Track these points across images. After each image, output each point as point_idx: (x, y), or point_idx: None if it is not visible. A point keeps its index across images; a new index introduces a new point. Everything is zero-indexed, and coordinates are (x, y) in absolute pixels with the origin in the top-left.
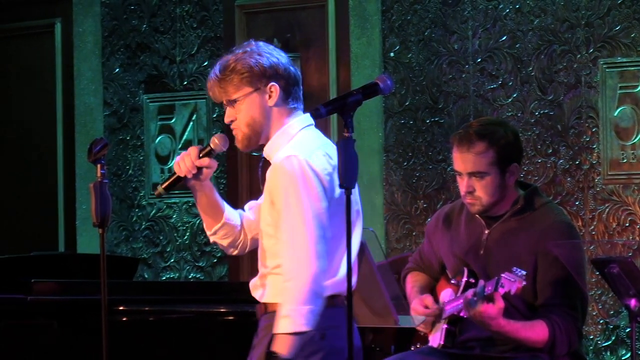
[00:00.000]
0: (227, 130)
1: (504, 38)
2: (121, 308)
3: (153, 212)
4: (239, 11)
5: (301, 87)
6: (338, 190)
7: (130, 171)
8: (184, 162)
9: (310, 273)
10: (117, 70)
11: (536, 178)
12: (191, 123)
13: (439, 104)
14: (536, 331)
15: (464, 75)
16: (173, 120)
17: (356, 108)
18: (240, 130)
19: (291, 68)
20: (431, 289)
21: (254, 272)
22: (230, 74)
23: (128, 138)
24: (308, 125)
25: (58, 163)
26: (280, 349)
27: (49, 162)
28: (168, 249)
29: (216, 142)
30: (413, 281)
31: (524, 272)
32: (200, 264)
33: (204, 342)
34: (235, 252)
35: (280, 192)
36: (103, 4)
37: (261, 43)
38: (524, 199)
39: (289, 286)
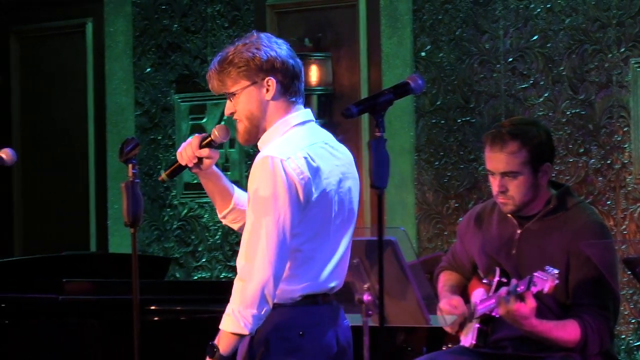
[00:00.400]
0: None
1: (535, 37)
2: (153, 308)
3: (184, 211)
4: (270, 11)
5: (302, 81)
6: (317, 194)
7: (161, 171)
8: (185, 152)
9: (261, 278)
10: (149, 70)
11: (567, 178)
12: (222, 122)
13: (471, 104)
14: (568, 331)
15: (495, 75)
16: (204, 120)
17: (387, 108)
18: (241, 123)
19: (290, 61)
20: (462, 289)
21: None
22: (228, 67)
23: (159, 138)
24: (304, 122)
25: (90, 163)
26: (220, 345)
27: (81, 161)
28: (200, 249)
29: (216, 133)
30: (444, 280)
31: (556, 271)
32: (232, 264)
33: None
34: None
35: (250, 191)
36: (134, 3)
37: (263, 35)
38: (556, 199)
39: (237, 286)
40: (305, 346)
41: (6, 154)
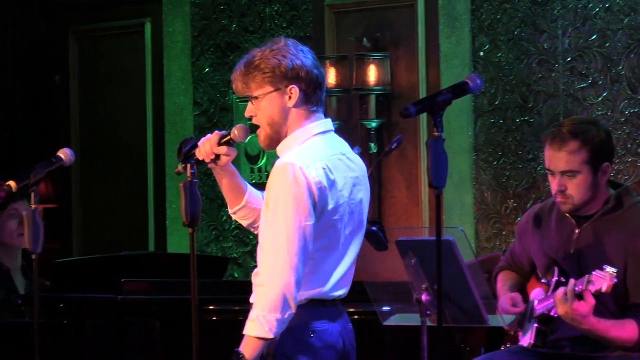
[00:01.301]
0: None
1: (593, 37)
2: (211, 307)
3: None
4: (328, 10)
5: (324, 91)
6: (332, 204)
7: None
8: (203, 147)
9: (284, 282)
10: (207, 69)
11: (626, 177)
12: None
13: (529, 103)
14: (626, 330)
15: (553, 74)
16: None
17: (446, 107)
18: (262, 130)
19: (315, 71)
20: (521, 288)
21: None
22: (253, 71)
23: None
24: (324, 132)
25: (148, 163)
26: (245, 350)
27: (139, 161)
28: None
29: (236, 133)
30: (503, 280)
31: (615, 270)
32: None
33: None
34: (257, 232)
35: (270, 197)
36: (193, 3)
37: (290, 42)
38: (615, 199)
39: (260, 291)
40: (316, 345)
41: (65, 154)
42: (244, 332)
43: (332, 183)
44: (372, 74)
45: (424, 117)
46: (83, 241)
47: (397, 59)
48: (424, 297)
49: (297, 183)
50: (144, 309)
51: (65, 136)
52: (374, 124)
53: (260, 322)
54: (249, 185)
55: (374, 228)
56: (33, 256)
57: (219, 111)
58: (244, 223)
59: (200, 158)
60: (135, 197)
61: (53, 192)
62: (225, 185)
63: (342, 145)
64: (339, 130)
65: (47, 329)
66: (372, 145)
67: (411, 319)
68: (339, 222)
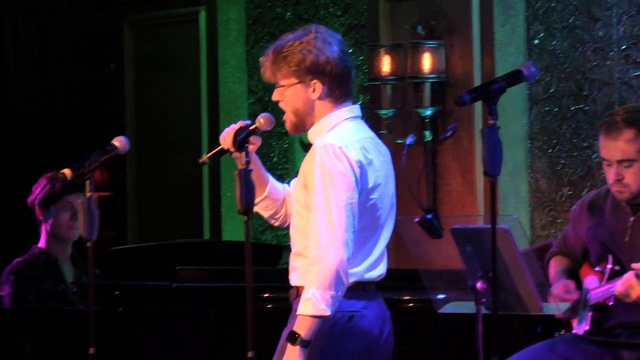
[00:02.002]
0: (372, 118)
1: None
2: (266, 295)
3: None
4: None
5: (352, 81)
6: (372, 183)
7: (275, 159)
8: (228, 136)
9: (336, 259)
10: (261, 58)
11: None
12: None
13: (584, 91)
14: None
15: (608, 63)
16: None
17: (500, 95)
18: (288, 117)
19: (340, 65)
20: (573, 274)
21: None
22: (280, 62)
23: None
24: (354, 117)
25: (203, 151)
26: (300, 330)
27: (194, 149)
28: None
29: (261, 121)
30: (556, 265)
31: None
32: None
33: None
34: (277, 224)
35: (314, 177)
36: None
37: (319, 34)
38: None
39: (313, 270)
40: (352, 330)
41: (120, 142)
42: (298, 313)
43: (369, 162)
44: (427, 62)
45: (478, 105)
46: (138, 229)
47: (451, 47)
48: (479, 285)
49: (341, 161)
50: (198, 297)
51: (120, 124)
52: (428, 112)
53: (317, 300)
54: (270, 177)
55: (429, 216)
56: (88, 244)
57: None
58: (265, 214)
59: (226, 147)
60: (190, 184)
61: (108, 180)
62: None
63: (370, 131)
64: (393, 118)
65: (102, 316)
66: (427, 133)
67: (466, 307)
68: (379, 202)
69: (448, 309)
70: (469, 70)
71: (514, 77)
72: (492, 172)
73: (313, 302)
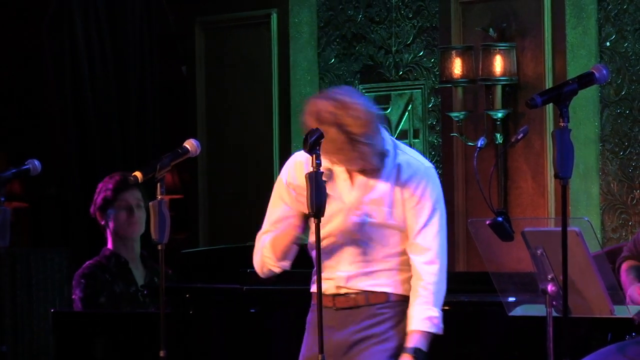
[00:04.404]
0: (444, 121)
1: None
2: None
3: None
4: (454, 1)
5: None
6: None
7: None
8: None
9: (445, 277)
10: (333, 60)
11: None
12: (406, 113)
13: None
14: None
15: None
16: (389, 111)
17: (572, 98)
18: None
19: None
20: None
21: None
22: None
23: None
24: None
25: (274, 153)
26: (423, 346)
27: (265, 152)
28: None
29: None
30: (627, 269)
31: None
32: None
33: None
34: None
35: (430, 197)
36: None
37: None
38: None
39: (434, 289)
40: None
41: (191, 145)
42: (424, 329)
43: None
44: (499, 64)
45: (550, 107)
46: (209, 232)
47: (523, 50)
48: (549, 287)
49: (436, 177)
50: (269, 299)
51: (192, 127)
52: (500, 115)
53: (440, 320)
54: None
55: (499, 218)
56: (159, 247)
57: None
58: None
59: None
60: (261, 187)
61: (179, 183)
62: (289, 243)
63: None
64: (465, 121)
65: (173, 319)
66: (498, 135)
67: (537, 310)
68: None
69: (519, 311)
70: (540, 73)
71: (586, 80)
72: (563, 175)
73: (437, 321)
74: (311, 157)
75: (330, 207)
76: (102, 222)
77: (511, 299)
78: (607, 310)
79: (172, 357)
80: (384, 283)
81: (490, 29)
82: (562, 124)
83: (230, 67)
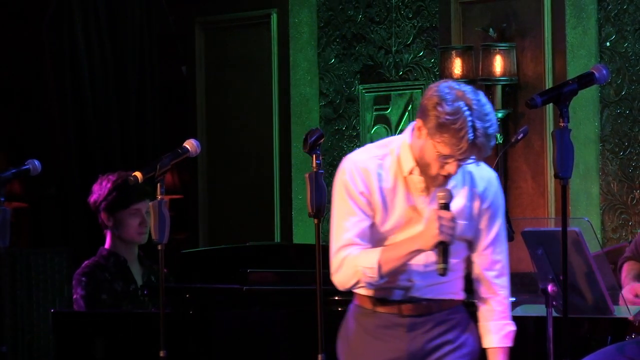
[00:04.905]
0: None
1: None
2: (336, 298)
3: None
4: (454, 1)
5: None
6: None
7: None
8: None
9: None
10: (333, 60)
11: None
12: (407, 113)
13: None
14: None
15: None
16: (388, 111)
17: (572, 98)
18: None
19: None
20: None
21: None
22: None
23: (344, 128)
24: None
25: (274, 153)
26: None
27: (265, 152)
28: None
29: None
30: (628, 270)
31: None
32: None
33: None
34: None
35: (500, 205)
36: None
37: None
38: None
39: (508, 303)
40: None
41: (191, 145)
42: (505, 346)
43: None
44: (498, 64)
45: (550, 107)
46: (209, 232)
47: (523, 50)
48: (550, 287)
49: None
50: (270, 300)
51: (192, 127)
52: (500, 115)
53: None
54: None
55: None
56: (159, 247)
57: (345, 102)
58: None
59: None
60: (261, 187)
61: (179, 183)
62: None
63: None
64: None
65: (173, 319)
66: (498, 135)
67: (537, 310)
68: None
69: (519, 311)
70: (540, 73)
71: (586, 80)
72: (563, 175)
73: (514, 335)
74: (311, 157)
75: (404, 217)
76: (107, 223)
77: (511, 299)
78: (607, 311)
79: (172, 357)
80: (451, 290)
81: (490, 29)
82: (562, 124)
83: (230, 67)
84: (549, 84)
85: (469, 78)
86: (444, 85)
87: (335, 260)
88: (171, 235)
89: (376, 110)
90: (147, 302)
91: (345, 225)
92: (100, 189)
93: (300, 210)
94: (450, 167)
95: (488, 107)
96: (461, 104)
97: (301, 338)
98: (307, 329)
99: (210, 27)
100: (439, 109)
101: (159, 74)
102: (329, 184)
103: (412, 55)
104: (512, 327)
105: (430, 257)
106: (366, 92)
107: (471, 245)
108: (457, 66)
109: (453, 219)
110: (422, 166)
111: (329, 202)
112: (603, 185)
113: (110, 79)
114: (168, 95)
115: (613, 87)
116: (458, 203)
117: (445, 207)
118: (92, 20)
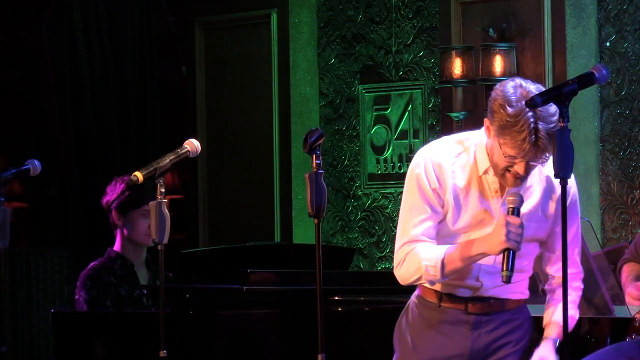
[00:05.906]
0: (444, 121)
1: None
2: (337, 298)
3: (368, 202)
4: (454, 1)
5: None
6: None
7: (346, 161)
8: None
9: None
10: (333, 60)
11: None
12: (406, 113)
13: None
14: None
15: None
16: (388, 111)
17: (572, 98)
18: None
19: None
20: None
21: None
22: None
23: (344, 128)
24: None
25: (274, 153)
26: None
27: (265, 152)
28: (384, 239)
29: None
30: (628, 271)
31: None
32: None
33: None
34: None
35: (573, 202)
36: None
37: None
38: None
39: (578, 296)
40: None
41: (191, 145)
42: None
43: None
44: (498, 64)
45: None
46: (209, 232)
47: (523, 50)
48: None
49: None
50: (270, 300)
51: (192, 127)
52: None
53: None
54: None
55: None
56: (159, 247)
57: (345, 102)
58: None
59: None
60: (261, 187)
61: (179, 183)
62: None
63: None
64: (465, 121)
65: (173, 319)
66: None
67: (537, 310)
68: None
69: None
70: (540, 73)
71: (586, 80)
72: (563, 175)
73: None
74: (311, 157)
75: (476, 217)
76: (118, 222)
77: None
78: (607, 311)
79: (172, 357)
80: (518, 290)
81: (490, 29)
82: (562, 124)
83: (230, 67)
84: (549, 83)
85: (468, 78)
86: (510, 84)
87: (398, 254)
88: (171, 236)
89: (376, 110)
90: (151, 307)
91: (413, 221)
92: (113, 190)
93: (300, 210)
94: (518, 168)
95: (553, 107)
96: (524, 104)
97: (301, 338)
98: (307, 329)
99: (210, 27)
100: (502, 110)
101: (159, 74)
102: (329, 184)
103: (412, 55)
104: (577, 315)
105: (499, 258)
106: (366, 92)
107: (544, 244)
108: (457, 66)
109: (521, 226)
110: (493, 166)
111: (329, 202)
112: (603, 185)
113: (110, 79)
114: (168, 95)
115: (613, 87)
116: (532, 203)
117: (515, 211)
118: (92, 20)
